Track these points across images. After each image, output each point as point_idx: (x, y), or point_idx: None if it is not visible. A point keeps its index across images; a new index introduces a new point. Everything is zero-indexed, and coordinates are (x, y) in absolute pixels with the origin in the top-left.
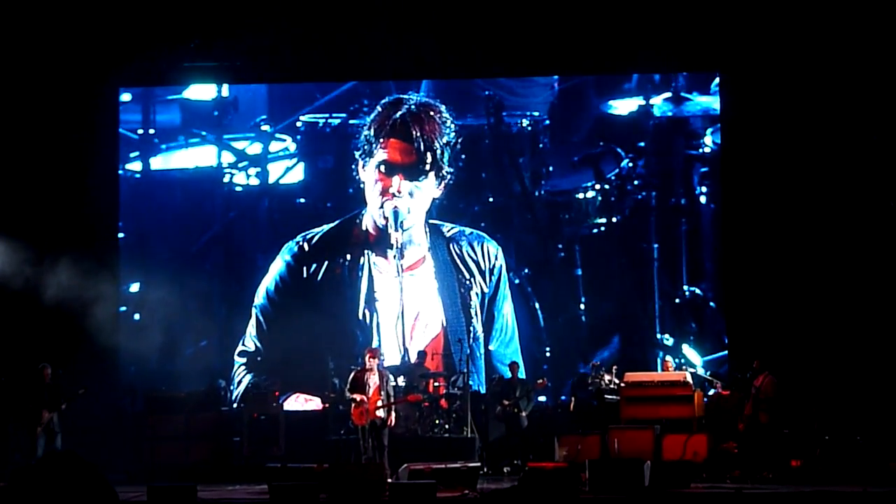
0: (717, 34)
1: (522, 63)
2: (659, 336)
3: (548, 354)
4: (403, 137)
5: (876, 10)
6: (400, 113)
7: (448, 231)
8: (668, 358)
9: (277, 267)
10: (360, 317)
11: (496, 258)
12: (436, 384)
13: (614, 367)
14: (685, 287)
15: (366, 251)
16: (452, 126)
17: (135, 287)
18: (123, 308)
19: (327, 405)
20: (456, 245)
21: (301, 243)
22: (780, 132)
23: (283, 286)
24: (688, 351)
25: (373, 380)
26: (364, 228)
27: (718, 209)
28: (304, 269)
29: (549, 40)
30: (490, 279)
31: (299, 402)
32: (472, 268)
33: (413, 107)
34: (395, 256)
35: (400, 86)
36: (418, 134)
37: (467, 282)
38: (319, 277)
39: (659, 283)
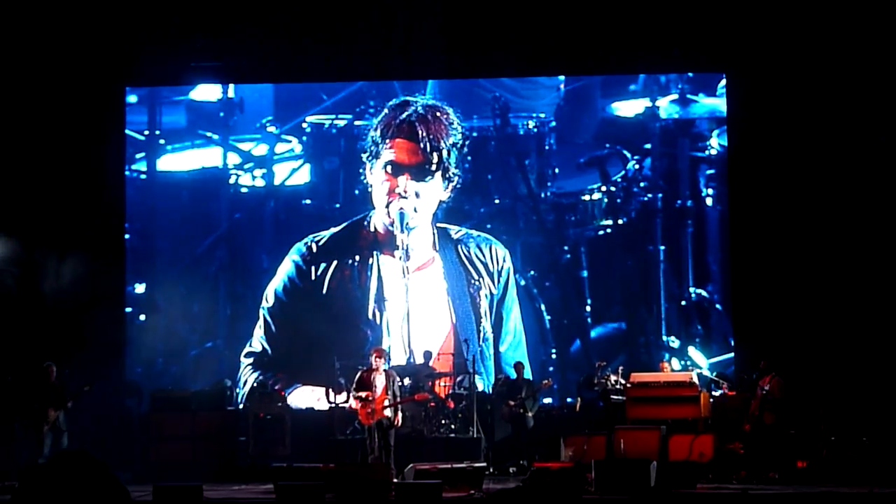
0: (723, 35)
1: (528, 63)
2: (665, 338)
3: (553, 356)
4: (409, 137)
5: (881, 11)
6: (406, 114)
7: (455, 234)
8: (670, 360)
9: (286, 268)
10: (370, 317)
11: (504, 261)
12: (442, 384)
13: (620, 368)
14: (691, 289)
15: (374, 252)
16: (459, 128)
17: (140, 288)
18: (129, 309)
19: (332, 405)
20: (464, 247)
21: (309, 244)
22: (787, 134)
23: (291, 287)
24: (694, 353)
25: (379, 380)
26: (372, 229)
27: (725, 211)
28: (313, 270)
29: (555, 41)
30: (498, 281)
31: (306, 394)
32: (480, 269)
33: (420, 108)
34: (400, 258)
35: (406, 87)
36: (424, 134)
37: (476, 283)
38: (328, 279)
39: (665, 286)
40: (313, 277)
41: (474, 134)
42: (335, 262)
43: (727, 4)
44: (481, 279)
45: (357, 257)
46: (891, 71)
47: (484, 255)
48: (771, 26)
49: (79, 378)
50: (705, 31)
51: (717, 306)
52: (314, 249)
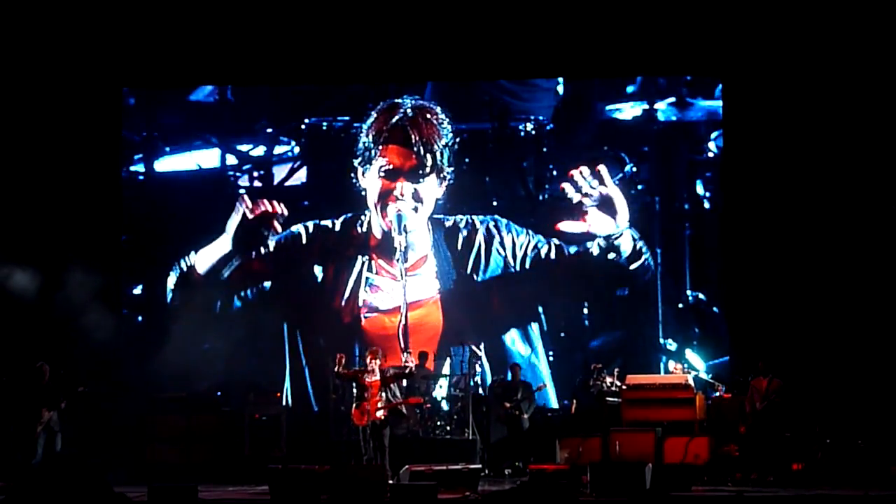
0: (719, 39)
1: (526, 65)
2: (662, 341)
3: (551, 358)
4: (402, 143)
5: (876, 14)
6: (397, 118)
7: (449, 224)
8: (674, 363)
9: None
10: (348, 317)
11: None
12: (438, 385)
13: (616, 370)
14: (689, 292)
15: (367, 254)
16: (449, 127)
17: (138, 290)
18: (126, 311)
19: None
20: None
21: (307, 225)
22: (783, 137)
23: (280, 247)
24: (691, 356)
25: (373, 380)
26: (366, 231)
27: (721, 213)
28: (306, 249)
29: (551, 43)
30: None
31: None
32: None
33: (409, 111)
34: (398, 260)
35: (403, 89)
36: (417, 138)
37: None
38: (318, 277)
39: (662, 288)
40: (303, 243)
41: (473, 136)
42: (324, 254)
43: (724, 8)
44: (494, 258)
45: (344, 255)
46: (885, 73)
47: (495, 234)
48: (766, 29)
49: (76, 379)
50: (701, 35)
51: (715, 309)
52: (315, 231)
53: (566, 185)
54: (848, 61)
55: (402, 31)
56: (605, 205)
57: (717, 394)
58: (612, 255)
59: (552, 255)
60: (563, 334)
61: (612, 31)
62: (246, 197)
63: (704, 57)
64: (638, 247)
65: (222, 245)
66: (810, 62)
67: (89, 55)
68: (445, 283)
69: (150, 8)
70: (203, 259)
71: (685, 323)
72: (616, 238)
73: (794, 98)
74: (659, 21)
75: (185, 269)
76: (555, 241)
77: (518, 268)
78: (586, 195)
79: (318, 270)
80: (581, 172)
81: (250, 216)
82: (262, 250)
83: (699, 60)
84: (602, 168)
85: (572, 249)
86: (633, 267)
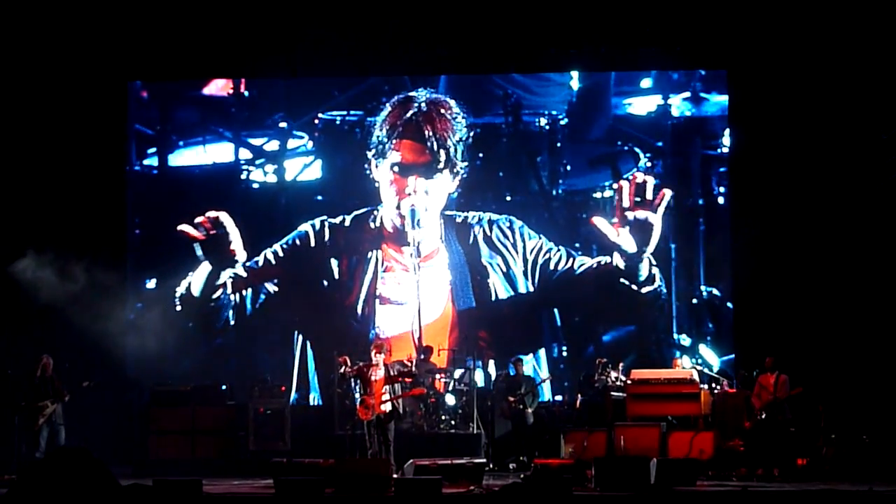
0: (725, 32)
1: (537, 59)
2: (676, 336)
3: (564, 354)
4: (416, 138)
5: (883, 10)
6: (411, 112)
7: (460, 220)
8: (682, 358)
9: (294, 232)
10: (359, 311)
11: (531, 237)
12: (443, 380)
13: (620, 364)
14: (702, 287)
15: (379, 248)
16: (463, 121)
17: (151, 283)
18: (138, 304)
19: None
20: (483, 228)
21: (324, 222)
22: (788, 131)
23: (290, 248)
24: (705, 351)
25: (377, 375)
26: (379, 225)
27: (732, 207)
28: (318, 247)
29: (559, 37)
30: (525, 257)
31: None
32: (503, 249)
33: (423, 106)
34: (411, 255)
35: (418, 83)
36: (430, 133)
37: (486, 268)
38: (329, 274)
39: (676, 284)
40: (313, 244)
41: (486, 131)
42: (337, 251)
43: (730, 1)
44: (502, 258)
45: (358, 251)
46: (892, 69)
47: (508, 235)
48: (773, 23)
49: (81, 372)
50: (707, 28)
51: (728, 304)
52: (326, 228)
53: (624, 184)
54: (855, 56)
55: (416, 24)
56: (643, 229)
57: (722, 388)
58: (623, 280)
59: (564, 263)
60: (575, 331)
61: (616, 26)
62: (184, 227)
63: (710, 50)
64: (652, 272)
65: (204, 269)
66: (819, 55)
67: (101, 49)
68: (456, 276)
69: (164, 2)
70: (196, 283)
71: (699, 318)
72: (634, 258)
73: (804, 92)
74: (663, 14)
75: (181, 294)
76: (564, 248)
77: (528, 270)
78: (632, 208)
79: (330, 266)
80: (644, 183)
81: (202, 236)
82: (272, 251)
83: (705, 53)
84: (666, 192)
85: (583, 259)
86: (644, 291)
